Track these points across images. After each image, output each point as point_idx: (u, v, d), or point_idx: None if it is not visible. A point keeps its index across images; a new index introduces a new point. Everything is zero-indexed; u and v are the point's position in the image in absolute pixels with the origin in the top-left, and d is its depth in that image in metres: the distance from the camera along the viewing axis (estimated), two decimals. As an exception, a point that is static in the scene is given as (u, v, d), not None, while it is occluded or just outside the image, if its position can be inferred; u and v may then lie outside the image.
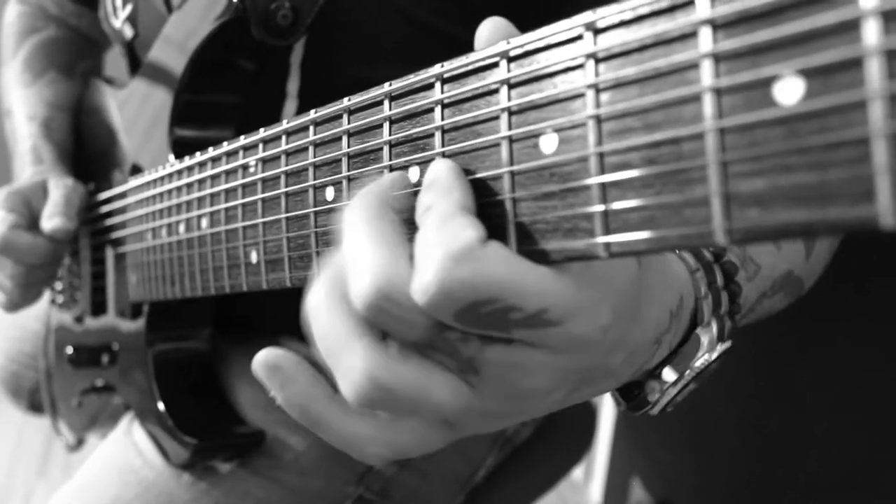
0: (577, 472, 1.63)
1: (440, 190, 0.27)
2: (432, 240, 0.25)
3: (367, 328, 0.27)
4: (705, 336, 0.34)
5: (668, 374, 0.34)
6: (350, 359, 0.27)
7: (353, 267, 0.27)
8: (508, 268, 0.25)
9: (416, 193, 0.30)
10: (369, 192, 0.29)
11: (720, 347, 0.35)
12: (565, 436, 0.82)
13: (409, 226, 0.29)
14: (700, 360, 0.34)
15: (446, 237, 0.25)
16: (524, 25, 0.28)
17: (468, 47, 0.29)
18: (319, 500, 0.60)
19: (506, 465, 0.74)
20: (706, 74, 0.21)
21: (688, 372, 0.34)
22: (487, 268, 0.24)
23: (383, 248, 0.26)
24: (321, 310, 0.28)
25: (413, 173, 0.31)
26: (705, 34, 0.21)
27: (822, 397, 0.77)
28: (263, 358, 0.30)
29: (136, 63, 0.66)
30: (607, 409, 1.40)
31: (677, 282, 0.33)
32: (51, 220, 0.63)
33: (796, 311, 0.78)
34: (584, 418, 0.87)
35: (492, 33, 0.28)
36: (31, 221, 0.65)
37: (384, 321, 0.26)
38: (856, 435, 0.74)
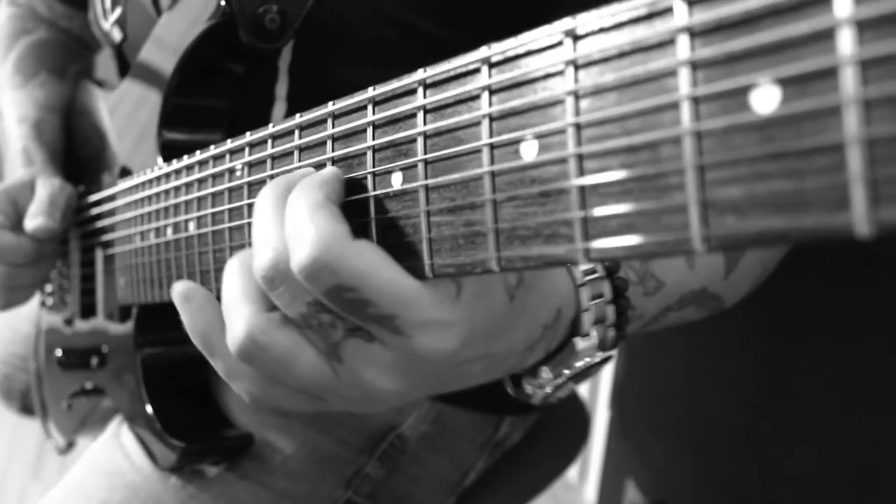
0: (572, 473, 1.63)
1: (314, 182, 0.31)
2: (306, 223, 0.29)
3: (257, 295, 0.32)
4: (582, 343, 0.38)
5: (545, 373, 0.38)
6: (237, 316, 0.32)
7: (256, 243, 0.32)
8: (371, 265, 0.29)
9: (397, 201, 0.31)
10: (277, 180, 0.34)
11: (601, 355, 0.39)
12: (557, 438, 0.82)
13: None
14: (580, 363, 0.38)
15: (319, 223, 0.29)
16: (510, 30, 0.28)
17: (456, 50, 0.29)
18: (307, 503, 0.59)
19: (497, 469, 0.74)
20: (684, 82, 0.21)
21: (566, 371, 0.38)
22: (352, 259, 0.29)
23: (281, 231, 0.31)
24: (230, 274, 0.34)
25: (396, 179, 0.31)
26: (683, 42, 0.21)
27: (818, 397, 0.77)
28: (181, 288, 0.36)
29: (124, 66, 0.66)
30: (602, 410, 1.40)
31: (556, 298, 0.36)
32: (34, 220, 0.63)
33: (791, 310, 0.78)
34: (578, 419, 0.87)
35: None
36: (16, 221, 0.65)
37: (275, 291, 0.31)
38: (854, 434, 0.75)
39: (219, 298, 0.45)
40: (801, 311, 0.78)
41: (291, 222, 0.30)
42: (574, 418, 0.87)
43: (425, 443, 0.64)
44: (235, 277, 0.33)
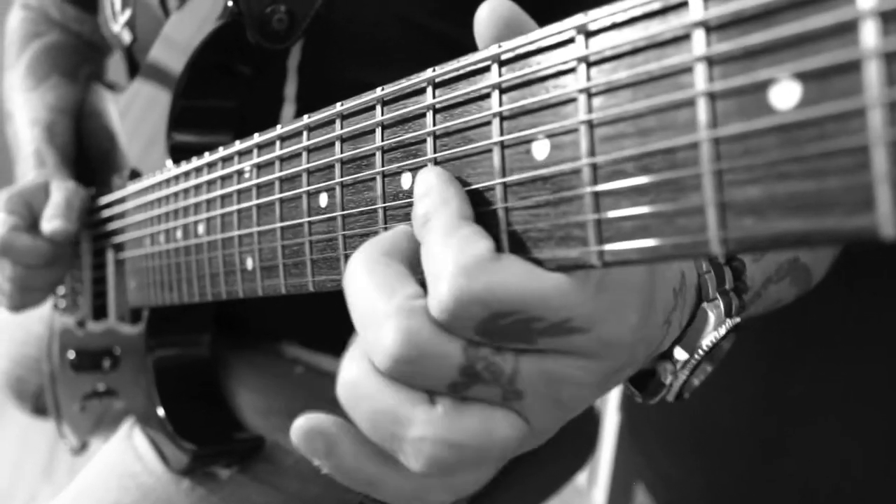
0: (581, 478, 1.62)
1: (436, 200, 0.27)
2: (439, 254, 0.25)
3: (414, 395, 0.26)
4: (712, 311, 0.34)
5: (680, 354, 0.33)
6: (413, 433, 0.25)
7: (368, 329, 0.26)
8: (524, 279, 0.24)
9: (409, 204, 0.29)
10: (368, 245, 0.28)
11: (728, 323, 0.34)
12: (569, 441, 0.81)
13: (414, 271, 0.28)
14: (709, 337, 0.33)
15: (454, 251, 0.24)
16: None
17: (466, 50, 0.28)
18: (320, 505, 0.59)
19: (508, 471, 0.74)
20: (700, 78, 0.20)
21: (699, 350, 0.33)
22: (502, 280, 0.24)
23: (391, 297, 0.25)
24: (359, 392, 0.26)
25: (405, 180, 0.30)
26: (698, 37, 0.20)
27: (828, 403, 0.76)
28: (303, 425, 0.28)
29: (134, 67, 0.66)
30: (611, 415, 1.39)
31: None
32: (51, 223, 0.63)
33: (799, 317, 0.77)
34: (588, 424, 0.87)
35: (489, 17, 0.27)
36: (31, 223, 0.65)
37: (420, 370, 0.25)
38: (864, 441, 0.73)
39: (228, 299, 0.45)
40: (812, 316, 0.77)
41: (427, 260, 0.26)
42: (584, 421, 0.86)
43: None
44: (371, 394, 0.26)
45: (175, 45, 0.56)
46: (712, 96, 0.20)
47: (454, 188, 0.27)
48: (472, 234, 0.25)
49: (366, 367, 0.26)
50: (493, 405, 0.26)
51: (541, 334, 0.25)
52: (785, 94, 0.19)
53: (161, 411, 0.57)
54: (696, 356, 0.33)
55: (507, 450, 0.27)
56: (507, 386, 0.26)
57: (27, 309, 0.71)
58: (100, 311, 0.70)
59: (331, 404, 0.31)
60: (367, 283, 0.26)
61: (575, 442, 0.83)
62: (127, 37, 0.65)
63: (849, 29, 0.18)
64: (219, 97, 0.55)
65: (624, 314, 0.26)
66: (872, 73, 0.17)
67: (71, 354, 0.74)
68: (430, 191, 0.27)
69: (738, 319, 0.34)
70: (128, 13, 0.65)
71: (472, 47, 0.28)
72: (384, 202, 0.31)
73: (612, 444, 1.40)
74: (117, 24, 0.67)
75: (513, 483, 0.75)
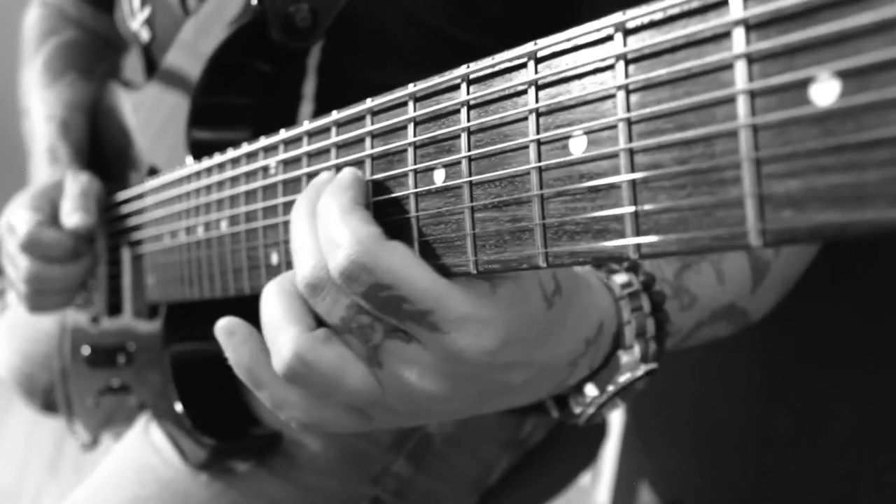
0: (585, 476, 1.62)
1: (338, 187, 0.33)
2: (338, 227, 0.30)
3: (299, 315, 0.33)
4: (626, 357, 0.38)
5: (590, 390, 0.38)
6: (283, 337, 0.33)
7: (296, 252, 0.33)
8: (404, 262, 0.30)
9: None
10: (306, 194, 0.35)
11: (643, 368, 0.38)
12: (577, 439, 0.82)
13: None
14: (623, 378, 0.38)
15: (353, 227, 0.30)
16: (535, 33, 0.28)
17: (482, 54, 0.29)
18: (335, 500, 0.60)
19: (518, 468, 0.74)
20: (740, 76, 0.21)
21: (610, 387, 0.38)
22: (387, 257, 0.30)
23: (317, 240, 0.32)
24: (268, 300, 0.34)
25: (438, 175, 0.31)
26: (738, 35, 0.21)
27: (831, 399, 0.77)
28: (223, 324, 0.36)
29: (152, 65, 0.67)
30: (615, 413, 1.40)
31: (597, 312, 0.37)
32: (71, 217, 0.64)
33: (805, 314, 0.78)
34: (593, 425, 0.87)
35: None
36: (53, 218, 0.66)
37: (316, 298, 0.32)
38: (867, 437, 0.74)
39: (252, 294, 0.45)
40: (815, 314, 0.78)
41: (325, 229, 0.31)
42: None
43: (450, 441, 0.64)
44: (275, 301, 0.34)
45: (195, 43, 0.57)
46: (752, 94, 0.21)
47: (356, 182, 0.33)
48: (367, 216, 0.31)
49: (284, 286, 0.34)
50: (357, 356, 0.33)
51: (408, 316, 0.30)
52: (825, 92, 0.20)
53: (179, 407, 0.58)
54: (608, 392, 0.38)
55: (354, 398, 0.33)
56: (371, 352, 0.33)
57: (46, 312, 0.72)
58: (115, 307, 0.71)
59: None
60: (305, 225, 0.34)
61: (583, 440, 0.84)
62: (145, 35, 0.66)
63: (890, 27, 0.18)
64: (239, 94, 0.56)
65: (480, 335, 0.30)
66: (913, 69, 0.18)
67: (86, 350, 0.75)
68: (335, 181, 0.33)
69: (653, 365, 0.39)
70: (147, 11, 0.65)
71: (487, 53, 0.29)
72: (416, 197, 0.32)
73: (615, 443, 1.40)
74: (135, 21, 0.68)
75: (522, 480, 0.76)
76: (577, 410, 0.39)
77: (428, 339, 0.31)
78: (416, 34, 0.55)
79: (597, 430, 0.89)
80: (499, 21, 0.53)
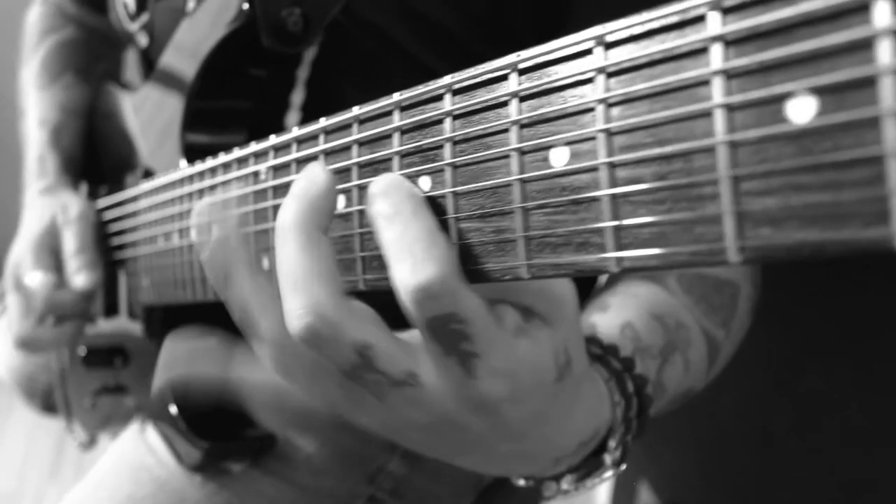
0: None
1: (409, 213, 0.29)
2: (430, 242, 0.27)
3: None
4: (609, 458, 0.39)
5: (566, 484, 0.39)
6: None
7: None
8: (481, 304, 0.28)
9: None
10: (299, 217, 0.31)
11: (613, 472, 0.39)
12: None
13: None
14: (595, 480, 0.39)
15: (442, 246, 0.27)
16: (522, 43, 0.28)
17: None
18: (331, 499, 0.60)
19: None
20: (717, 91, 0.21)
21: (587, 484, 0.39)
22: (470, 293, 0.27)
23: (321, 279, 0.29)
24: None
25: (424, 182, 0.31)
26: (716, 51, 0.21)
27: (830, 397, 0.77)
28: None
29: (150, 69, 0.67)
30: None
31: (597, 419, 0.36)
32: (77, 277, 0.64)
33: (804, 311, 0.78)
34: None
35: None
36: (58, 267, 0.66)
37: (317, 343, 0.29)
38: (867, 435, 0.74)
39: None
40: (814, 311, 0.78)
41: (411, 235, 0.27)
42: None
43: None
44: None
45: (190, 46, 0.57)
46: (729, 108, 0.21)
47: (424, 207, 0.29)
48: (449, 253, 0.28)
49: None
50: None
51: (458, 354, 0.28)
52: (801, 108, 0.19)
53: (174, 409, 0.58)
54: (579, 487, 0.39)
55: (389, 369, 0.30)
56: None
57: (32, 353, 0.71)
58: (111, 308, 0.71)
59: None
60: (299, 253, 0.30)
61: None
62: (143, 40, 0.66)
63: (864, 46, 0.18)
64: (233, 98, 0.56)
65: (447, 384, 0.29)
66: (888, 88, 0.18)
67: (82, 351, 0.75)
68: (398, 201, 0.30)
69: (623, 467, 0.39)
70: (145, 17, 0.65)
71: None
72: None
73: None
74: (133, 24, 0.67)
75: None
76: (547, 493, 0.39)
77: (454, 376, 0.29)
78: (403, 68, 0.54)
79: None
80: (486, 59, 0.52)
